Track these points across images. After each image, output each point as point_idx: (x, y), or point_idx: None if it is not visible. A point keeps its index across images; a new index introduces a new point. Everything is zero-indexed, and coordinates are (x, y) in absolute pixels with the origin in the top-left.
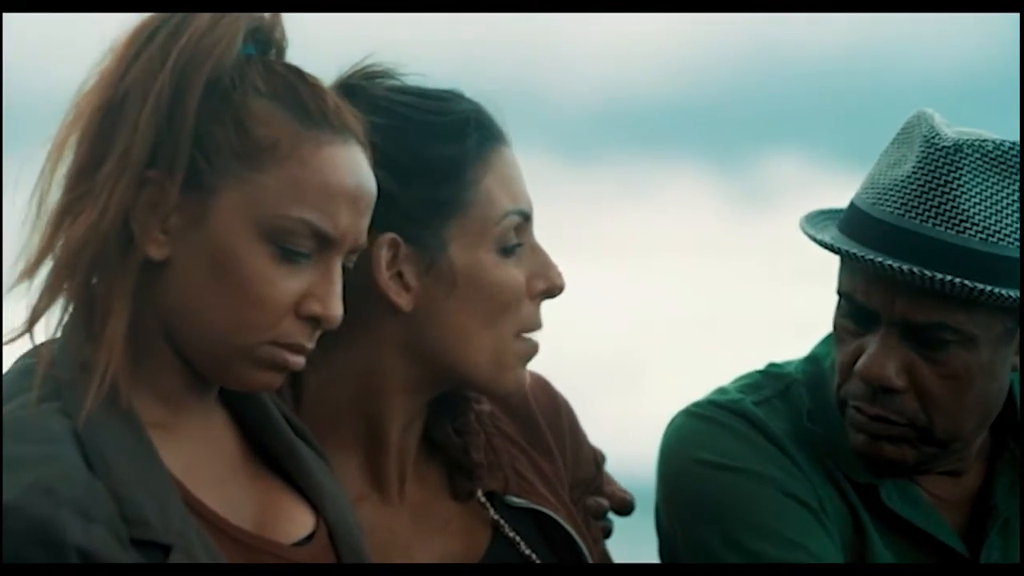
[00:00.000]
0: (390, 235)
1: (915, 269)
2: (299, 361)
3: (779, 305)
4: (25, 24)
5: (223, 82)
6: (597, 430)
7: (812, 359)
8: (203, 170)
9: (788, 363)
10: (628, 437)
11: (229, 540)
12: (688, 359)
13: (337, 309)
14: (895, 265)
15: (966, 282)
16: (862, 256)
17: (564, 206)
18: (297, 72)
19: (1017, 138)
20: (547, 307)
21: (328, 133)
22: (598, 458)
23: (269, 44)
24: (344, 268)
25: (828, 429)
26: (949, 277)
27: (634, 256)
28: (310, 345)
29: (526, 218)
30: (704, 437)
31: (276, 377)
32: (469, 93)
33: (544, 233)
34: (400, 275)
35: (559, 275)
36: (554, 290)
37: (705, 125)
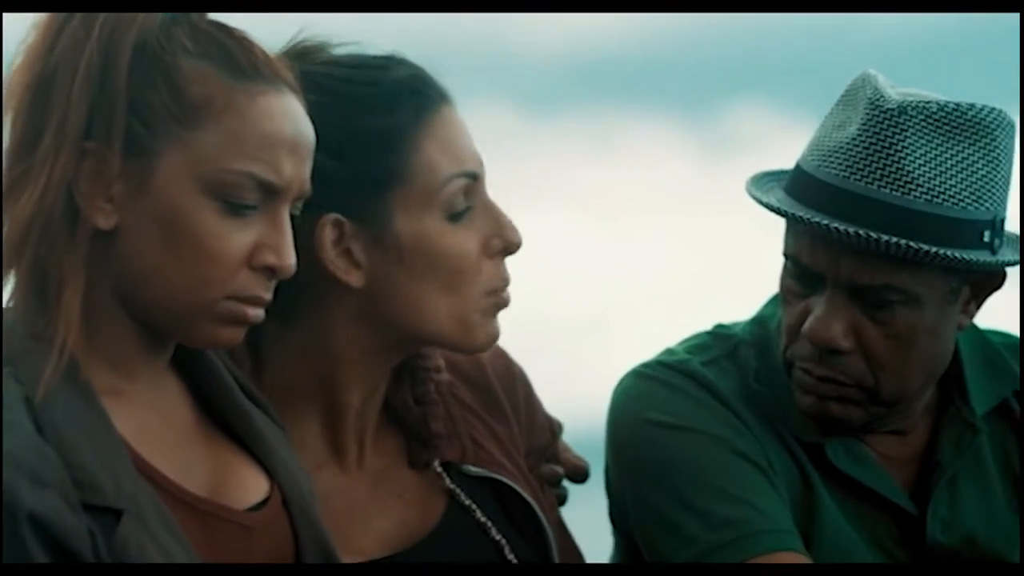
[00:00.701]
0: (333, 215)
1: (860, 231)
2: (258, 314)
3: (750, 258)
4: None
5: (151, 45)
6: (568, 385)
7: (759, 320)
8: (141, 135)
9: (735, 324)
10: (598, 393)
11: (183, 505)
12: (658, 313)
13: (290, 258)
14: (841, 227)
15: (911, 243)
16: (807, 218)
17: (532, 160)
18: (223, 28)
19: (1014, 110)
20: (516, 262)
21: (261, 84)
22: (554, 427)
23: None
24: (293, 222)
25: (775, 390)
26: (895, 239)
27: (603, 210)
28: (267, 296)
29: (474, 178)
30: (652, 397)
31: (238, 332)
32: (414, 54)
33: (512, 187)
34: (348, 252)
35: (515, 231)
36: (511, 247)
37: (673, 76)
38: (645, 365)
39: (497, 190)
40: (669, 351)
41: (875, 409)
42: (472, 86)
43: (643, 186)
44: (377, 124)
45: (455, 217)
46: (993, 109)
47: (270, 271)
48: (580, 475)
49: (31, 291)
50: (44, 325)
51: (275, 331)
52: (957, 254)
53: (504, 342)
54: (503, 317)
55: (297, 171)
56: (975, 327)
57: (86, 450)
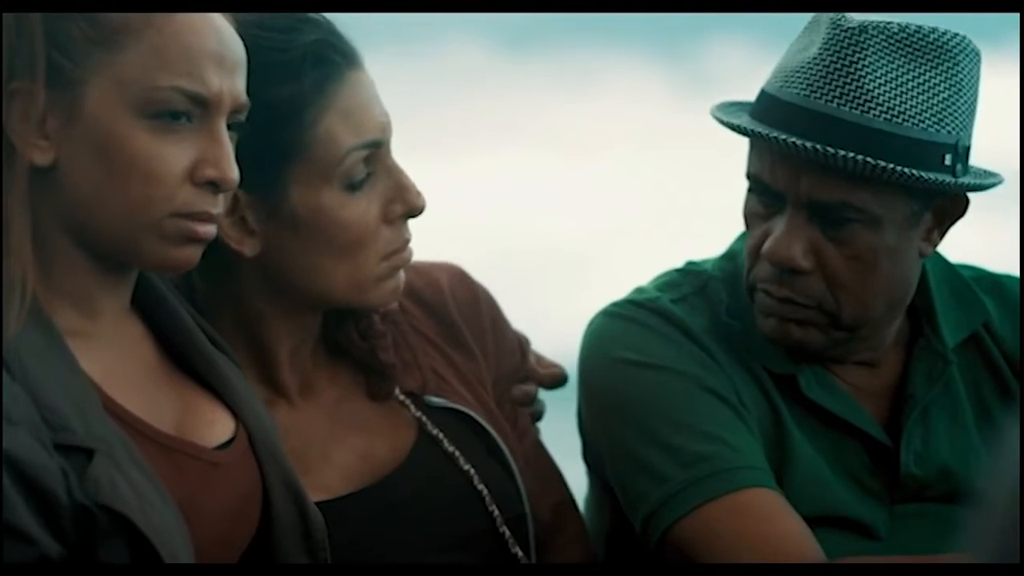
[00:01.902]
0: None
1: (818, 146)
2: (209, 230)
3: (727, 195)
4: None
5: None
6: (544, 325)
7: (729, 256)
8: (64, 66)
9: (706, 261)
10: (575, 332)
11: (151, 443)
12: (636, 252)
13: (231, 171)
14: (799, 142)
15: (868, 159)
16: (766, 134)
17: (508, 98)
18: None
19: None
20: (492, 202)
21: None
22: (522, 345)
23: None
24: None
25: (745, 323)
26: (852, 154)
27: (579, 147)
28: (215, 211)
29: (377, 146)
30: (622, 336)
31: (193, 251)
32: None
33: (490, 126)
34: (243, 220)
35: (417, 195)
36: (413, 211)
37: (651, 14)
38: (615, 304)
39: (474, 129)
40: (639, 289)
41: (836, 333)
42: (450, 25)
43: (621, 124)
44: (277, 95)
45: (354, 187)
46: (956, 34)
47: (213, 185)
48: (559, 381)
49: None
50: (2, 268)
51: (204, 286)
52: (916, 172)
53: (483, 282)
54: (483, 256)
55: (227, 83)
56: (945, 260)
57: (55, 390)
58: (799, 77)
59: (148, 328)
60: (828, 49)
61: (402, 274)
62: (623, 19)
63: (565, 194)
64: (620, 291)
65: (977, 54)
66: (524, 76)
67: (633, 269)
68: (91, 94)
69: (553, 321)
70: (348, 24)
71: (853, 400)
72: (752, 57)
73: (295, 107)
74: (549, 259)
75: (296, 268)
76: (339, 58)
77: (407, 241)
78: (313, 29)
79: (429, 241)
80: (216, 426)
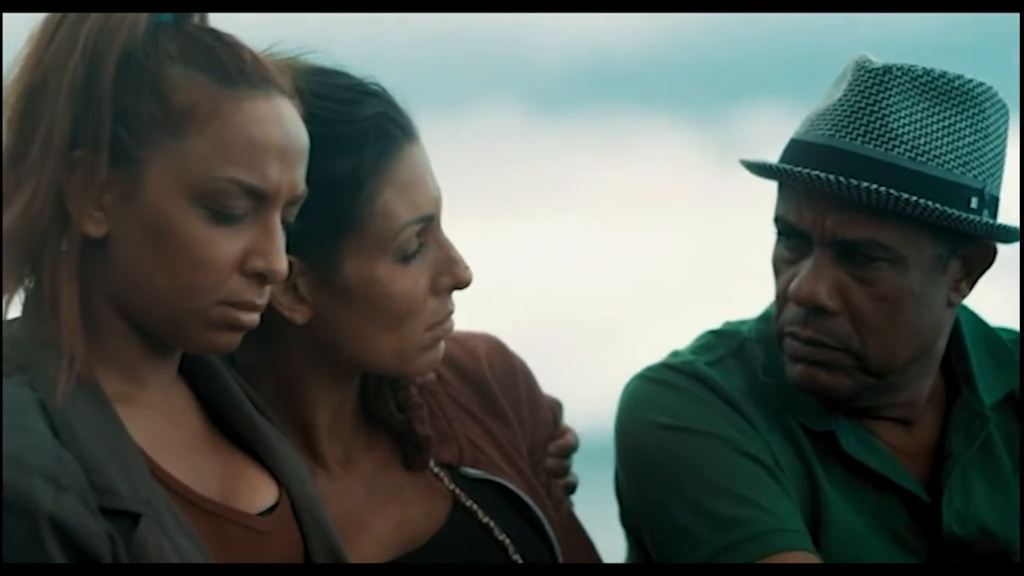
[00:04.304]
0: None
1: (841, 179)
2: (252, 319)
3: (761, 260)
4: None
5: (136, 55)
6: (579, 388)
7: (766, 317)
8: (129, 144)
9: (743, 322)
10: (610, 395)
11: (196, 509)
12: (670, 315)
13: (280, 264)
14: (823, 175)
15: (891, 191)
16: (789, 169)
17: (544, 163)
18: (212, 32)
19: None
20: (526, 266)
21: (247, 89)
22: (556, 412)
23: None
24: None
25: (781, 380)
26: (875, 186)
27: (614, 213)
28: (260, 301)
29: (430, 220)
30: (658, 400)
31: (233, 337)
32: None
33: (524, 190)
34: (295, 288)
35: (465, 269)
36: (460, 284)
37: (684, 80)
38: (650, 368)
39: (509, 193)
40: (675, 353)
41: (864, 378)
42: (486, 90)
43: (656, 188)
44: (337, 169)
45: (407, 259)
46: (983, 83)
47: (261, 276)
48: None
49: (31, 300)
50: (49, 333)
51: (244, 352)
52: (940, 207)
53: (519, 345)
54: (520, 319)
55: (286, 176)
56: (982, 321)
57: (102, 454)
58: (825, 119)
59: (194, 395)
60: (853, 90)
61: (443, 344)
62: (659, 84)
63: (601, 257)
64: (656, 352)
65: (1005, 106)
66: (558, 141)
67: (669, 331)
68: (151, 175)
69: (590, 381)
70: (406, 96)
71: (891, 457)
72: (786, 121)
73: (355, 180)
74: (586, 321)
75: (344, 336)
76: (398, 131)
77: (450, 312)
78: (375, 102)
79: (465, 303)
80: (260, 493)
